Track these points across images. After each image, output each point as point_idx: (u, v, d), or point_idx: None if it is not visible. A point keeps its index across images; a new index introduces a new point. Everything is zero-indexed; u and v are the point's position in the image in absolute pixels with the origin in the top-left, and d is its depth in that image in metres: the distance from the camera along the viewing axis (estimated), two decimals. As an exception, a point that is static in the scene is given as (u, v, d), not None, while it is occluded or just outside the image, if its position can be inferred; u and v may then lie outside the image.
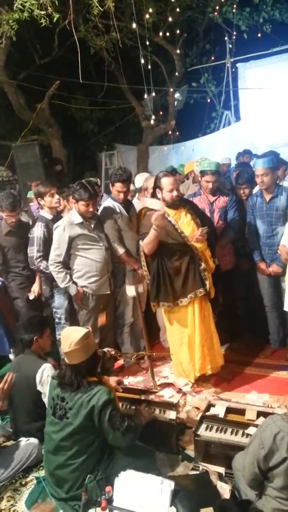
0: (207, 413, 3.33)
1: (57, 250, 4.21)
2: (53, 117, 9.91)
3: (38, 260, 4.43)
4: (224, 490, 2.79)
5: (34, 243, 4.46)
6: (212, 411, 3.35)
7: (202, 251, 3.89)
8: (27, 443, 3.31)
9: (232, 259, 4.63)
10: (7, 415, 3.78)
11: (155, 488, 2.56)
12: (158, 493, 2.54)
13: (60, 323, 4.56)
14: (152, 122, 10.41)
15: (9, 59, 8.60)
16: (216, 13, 10.52)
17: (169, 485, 2.57)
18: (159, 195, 3.87)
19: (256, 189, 4.61)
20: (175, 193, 3.81)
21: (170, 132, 11.85)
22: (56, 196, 4.63)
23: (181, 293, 3.92)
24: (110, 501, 2.44)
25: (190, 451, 3.27)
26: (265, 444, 2.40)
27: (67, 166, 10.49)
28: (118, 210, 4.47)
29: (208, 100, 12.45)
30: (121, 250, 4.43)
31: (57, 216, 4.67)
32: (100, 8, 6.71)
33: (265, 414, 3.09)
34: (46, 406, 3.05)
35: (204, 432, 3.15)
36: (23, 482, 3.18)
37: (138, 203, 4.92)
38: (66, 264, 4.28)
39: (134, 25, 7.78)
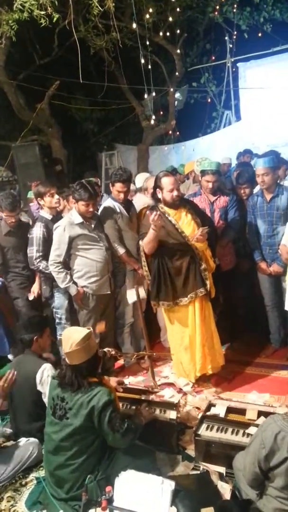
0: (208, 413, 3.32)
1: (57, 250, 4.20)
2: (53, 117, 9.90)
3: (38, 260, 4.43)
4: (225, 490, 2.79)
5: (33, 243, 4.46)
6: (213, 410, 3.35)
7: (203, 251, 3.88)
8: (27, 443, 3.31)
9: (233, 259, 4.63)
10: (7, 415, 3.78)
11: (155, 488, 2.56)
12: (159, 493, 2.54)
13: (60, 323, 4.55)
14: (152, 122, 10.40)
15: (9, 59, 8.59)
16: (216, 13, 10.49)
17: (170, 485, 2.57)
18: (159, 195, 3.87)
19: (256, 189, 4.60)
20: (175, 193, 3.81)
21: (170, 132, 11.84)
22: (56, 196, 4.62)
23: (181, 292, 3.92)
24: (110, 501, 2.44)
25: (191, 451, 3.27)
26: (266, 444, 2.39)
27: (67, 166, 10.48)
28: (118, 210, 4.47)
29: (209, 100, 12.44)
30: (121, 250, 4.43)
31: (57, 216, 4.67)
32: (100, 8, 6.70)
33: (265, 414, 3.09)
34: (46, 406, 3.05)
35: (204, 432, 3.15)
36: (23, 482, 3.17)
37: (138, 203, 4.92)
38: (66, 264, 4.28)
39: (134, 25, 7.77)
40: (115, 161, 11.73)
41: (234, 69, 11.13)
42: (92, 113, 12.02)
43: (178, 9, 9.49)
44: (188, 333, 3.99)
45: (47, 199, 4.58)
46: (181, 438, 3.43)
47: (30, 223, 4.91)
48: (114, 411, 2.74)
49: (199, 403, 3.79)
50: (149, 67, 8.06)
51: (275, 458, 2.37)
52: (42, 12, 6.22)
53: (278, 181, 4.49)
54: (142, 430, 3.03)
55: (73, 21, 6.52)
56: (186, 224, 3.87)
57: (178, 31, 10.09)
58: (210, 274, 3.94)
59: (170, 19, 9.45)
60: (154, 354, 4.23)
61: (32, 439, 3.34)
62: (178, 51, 10.27)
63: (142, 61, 7.53)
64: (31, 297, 4.73)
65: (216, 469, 3.00)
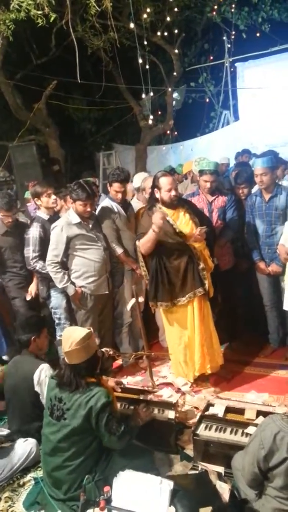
0: (206, 413, 3.32)
1: (55, 250, 4.19)
2: (50, 117, 9.88)
3: (34, 260, 4.42)
4: (224, 489, 2.78)
5: (30, 244, 4.46)
6: (211, 410, 3.34)
7: (201, 250, 3.88)
8: (25, 443, 3.30)
9: (231, 259, 4.62)
10: (5, 416, 3.77)
11: (154, 488, 2.56)
12: (157, 493, 2.54)
13: (60, 324, 4.54)
14: (150, 122, 10.38)
15: (6, 59, 8.57)
16: (214, 13, 10.49)
17: (168, 484, 2.57)
18: (157, 195, 3.86)
19: (255, 189, 4.60)
20: (173, 192, 3.80)
21: (168, 132, 11.83)
22: (53, 196, 4.61)
23: (180, 292, 3.91)
24: (108, 501, 2.43)
25: (189, 450, 3.26)
26: (265, 444, 2.38)
27: (65, 166, 10.46)
28: (116, 210, 4.46)
29: (207, 100, 12.45)
30: (119, 250, 4.42)
31: (54, 216, 4.65)
32: (97, 8, 6.68)
33: (264, 414, 3.09)
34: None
35: (203, 431, 3.14)
36: (21, 483, 3.17)
37: (137, 203, 4.91)
38: (64, 264, 4.27)
39: (132, 25, 7.75)
40: (113, 161, 11.71)
41: (232, 69, 11.15)
42: (90, 113, 12.01)
43: (176, 9, 9.49)
44: (187, 333, 3.98)
45: (44, 199, 4.56)
46: (179, 438, 3.42)
47: (28, 223, 4.89)
48: (111, 414, 2.73)
49: (198, 403, 3.78)
50: (147, 67, 8.05)
51: (274, 458, 2.36)
52: (39, 12, 6.20)
53: (276, 181, 4.48)
54: (140, 430, 3.02)
55: (71, 21, 6.50)
56: (184, 224, 3.86)
57: (176, 31, 10.10)
58: (208, 274, 3.93)
59: (168, 18, 9.44)
60: (152, 354, 4.22)
61: (30, 440, 3.33)
62: (176, 51, 10.27)
63: (140, 61, 7.51)
64: (28, 298, 4.72)
65: (214, 469, 2.99)
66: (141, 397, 3.59)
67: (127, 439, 2.82)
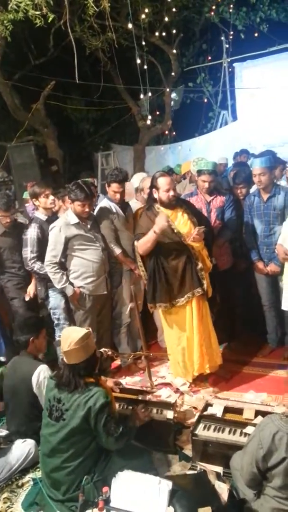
0: (205, 413, 3.32)
1: (53, 251, 4.19)
2: (48, 118, 9.89)
3: (32, 261, 4.42)
4: (222, 489, 2.78)
5: (27, 244, 4.45)
6: (210, 410, 3.34)
7: (199, 250, 3.88)
8: (24, 444, 3.29)
9: (230, 259, 4.62)
10: (3, 417, 3.76)
11: (152, 488, 2.56)
12: (156, 493, 2.54)
13: (59, 324, 4.52)
14: (148, 122, 10.41)
15: (4, 59, 8.57)
16: (212, 13, 10.51)
17: (167, 485, 2.57)
18: (155, 195, 3.86)
19: (253, 189, 4.61)
20: (171, 193, 3.80)
21: (166, 132, 11.84)
22: (51, 197, 4.61)
23: (178, 293, 3.90)
24: (107, 501, 2.43)
25: (188, 450, 3.26)
26: (263, 444, 2.39)
27: (63, 166, 10.46)
28: (114, 211, 4.46)
29: (205, 100, 12.44)
30: (117, 251, 4.42)
31: (52, 217, 4.65)
32: (95, 8, 6.68)
33: (263, 413, 3.10)
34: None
35: (201, 431, 3.14)
36: (20, 484, 3.16)
37: (135, 203, 4.91)
38: (63, 264, 4.27)
39: (130, 25, 7.75)
40: (111, 162, 11.71)
41: (230, 69, 11.16)
42: (88, 113, 12.02)
43: (174, 9, 9.50)
44: (186, 334, 3.98)
45: (42, 200, 4.56)
46: (178, 438, 3.42)
47: (27, 223, 4.89)
48: (110, 415, 2.73)
49: (196, 403, 3.78)
50: (145, 67, 8.06)
51: (273, 458, 2.36)
52: (37, 12, 6.20)
53: (274, 181, 4.49)
54: (139, 430, 3.02)
55: (69, 21, 6.49)
56: (182, 224, 3.86)
57: (174, 31, 10.12)
58: (206, 274, 3.93)
59: (166, 19, 9.46)
60: (151, 354, 4.22)
61: (28, 440, 3.32)
62: (174, 51, 10.28)
63: (138, 61, 7.52)
64: (27, 298, 4.72)
65: (213, 469, 2.99)
66: (140, 398, 3.59)
67: (125, 440, 2.82)
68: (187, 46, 12.21)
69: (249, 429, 2.99)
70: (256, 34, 10.92)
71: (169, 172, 6.79)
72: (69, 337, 2.76)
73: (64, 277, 4.20)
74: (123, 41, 9.08)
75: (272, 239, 4.26)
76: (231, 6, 10.40)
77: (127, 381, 4.36)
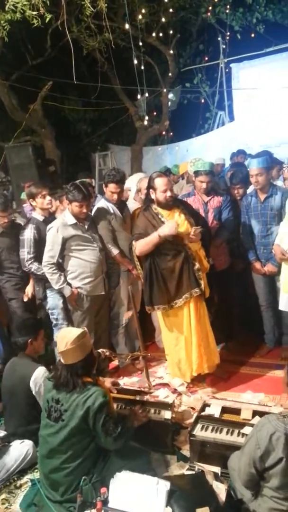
0: (203, 413, 3.32)
1: (51, 251, 4.19)
2: (46, 118, 9.88)
3: (29, 262, 4.42)
4: (220, 490, 2.78)
5: (24, 245, 4.45)
6: (208, 411, 3.35)
7: (196, 251, 3.88)
8: (22, 445, 3.29)
9: (227, 259, 4.63)
10: (1, 418, 3.76)
11: (150, 489, 2.56)
12: (154, 493, 2.54)
13: (57, 324, 4.51)
14: (145, 122, 10.40)
15: (1, 59, 8.57)
16: (209, 14, 10.52)
17: (165, 485, 2.57)
18: (152, 196, 3.87)
19: (250, 189, 4.61)
20: (168, 193, 3.80)
21: (164, 133, 11.86)
22: (48, 197, 4.60)
23: (175, 294, 3.90)
24: (105, 502, 2.43)
25: (186, 451, 3.26)
26: (261, 445, 2.39)
27: (61, 167, 10.45)
28: (111, 211, 4.46)
29: (202, 101, 12.47)
30: (115, 251, 4.42)
31: (49, 217, 4.65)
32: (92, 8, 6.67)
33: (260, 414, 3.10)
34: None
35: (199, 432, 3.14)
36: (18, 484, 3.16)
37: (133, 204, 4.92)
38: (60, 265, 4.27)
39: (127, 26, 7.76)
40: (109, 162, 11.72)
41: (227, 70, 11.19)
42: (85, 114, 12.02)
43: (171, 10, 9.50)
44: (184, 334, 3.98)
45: (39, 200, 4.56)
46: (176, 438, 3.43)
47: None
48: (108, 415, 2.73)
49: (194, 403, 3.79)
50: (142, 67, 8.08)
51: (270, 458, 2.37)
52: (35, 13, 6.18)
53: (271, 181, 4.50)
54: (137, 430, 3.02)
55: (66, 22, 6.48)
56: (179, 225, 3.86)
57: (171, 32, 10.11)
58: (204, 274, 3.93)
59: (163, 19, 9.46)
60: (149, 354, 4.22)
61: (26, 441, 3.32)
62: (171, 51, 10.28)
63: (135, 61, 7.53)
64: (25, 299, 4.71)
65: (211, 469, 2.99)
66: (138, 398, 3.59)
67: (123, 440, 2.82)
68: (184, 46, 12.21)
69: (246, 430, 3.00)
70: (252, 35, 10.93)
71: (166, 172, 6.80)
72: (65, 337, 2.76)
73: (62, 278, 4.20)
74: (120, 41, 9.07)
75: (269, 239, 4.27)
76: (228, 7, 10.39)
77: (125, 382, 4.36)
